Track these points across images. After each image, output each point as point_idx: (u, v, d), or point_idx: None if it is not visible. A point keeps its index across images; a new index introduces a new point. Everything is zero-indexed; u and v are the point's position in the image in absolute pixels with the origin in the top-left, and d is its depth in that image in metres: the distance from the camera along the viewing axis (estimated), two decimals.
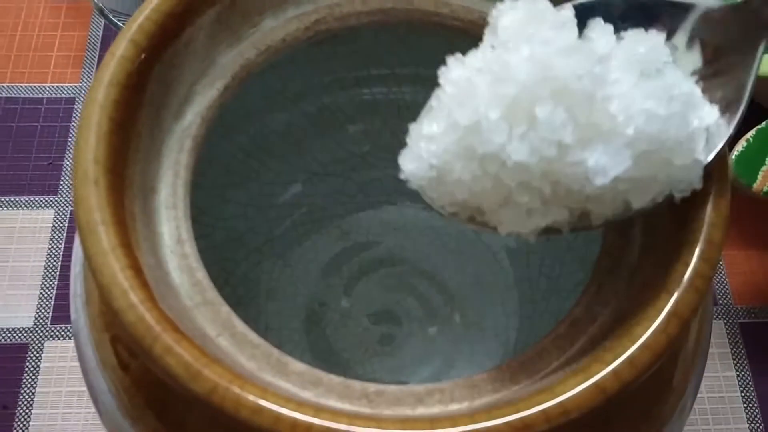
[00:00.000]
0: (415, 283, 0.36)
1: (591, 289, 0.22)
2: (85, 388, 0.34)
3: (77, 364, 0.35)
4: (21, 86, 0.42)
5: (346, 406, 0.20)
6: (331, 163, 0.36)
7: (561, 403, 0.18)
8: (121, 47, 0.22)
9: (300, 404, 0.18)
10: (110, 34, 0.43)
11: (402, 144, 0.36)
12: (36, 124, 0.41)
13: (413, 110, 0.36)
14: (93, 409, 0.34)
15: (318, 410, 0.18)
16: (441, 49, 0.34)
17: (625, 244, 0.22)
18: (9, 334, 0.36)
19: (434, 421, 0.18)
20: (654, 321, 0.19)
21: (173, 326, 0.19)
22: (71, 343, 0.35)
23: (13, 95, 0.41)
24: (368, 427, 0.18)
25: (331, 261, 0.36)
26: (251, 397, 0.18)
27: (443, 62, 0.34)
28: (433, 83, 0.35)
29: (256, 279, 0.36)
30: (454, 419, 0.18)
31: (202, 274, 0.22)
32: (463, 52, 0.33)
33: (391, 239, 0.37)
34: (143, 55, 0.22)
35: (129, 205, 0.21)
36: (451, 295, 0.36)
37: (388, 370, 0.34)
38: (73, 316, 0.25)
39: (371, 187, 0.37)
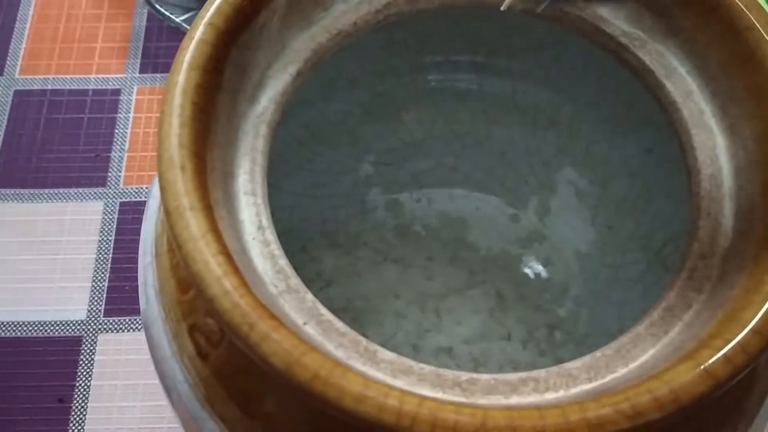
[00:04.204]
0: (476, 274, 0.35)
1: (683, 274, 0.21)
2: (140, 382, 0.34)
3: (132, 357, 0.35)
4: (66, 78, 0.41)
5: (439, 395, 0.19)
6: (384, 152, 0.36)
7: (672, 389, 0.17)
8: (200, 30, 0.21)
9: (404, 393, 0.17)
10: (154, 24, 0.43)
11: (456, 133, 0.36)
12: (82, 115, 0.40)
13: (468, 98, 0.36)
14: (149, 403, 0.34)
15: (423, 399, 0.17)
16: (497, 36, 0.34)
17: (716, 228, 0.22)
18: (62, 327, 0.35)
19: (543, 409, 0.17)
20: (762, 305, 0.18)
21: (269, 313, 0.18)
22: (125, 336, 0.35)
23: (59, 87, 0.41)
24: (475, 416, 0.17)
25: (387, 252, 0.36)
26: (354, 386, 0.17)
27: (499, 50, 0.34)
28: (488, 71, 0.35)
29: (309, 270, 0.35)
30: (563, 407, 0.17)
31: (284, 261, 0.21)
32: (519, 40, 0.33)
33: (448, 231, 0.36)
34: (222, 38, 0.21)
35: (213, 190, 0.20)
36: (515, 285, 0.35)
37: None
38: (143, 306, 0.25)
39: (425, 177, 0.36)
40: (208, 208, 0.19)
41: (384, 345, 0.33)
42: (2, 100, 0.41)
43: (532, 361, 0.34)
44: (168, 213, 0.19)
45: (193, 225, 0.19)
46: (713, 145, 0.23)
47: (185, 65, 0.21)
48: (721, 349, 0.18)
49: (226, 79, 0.22)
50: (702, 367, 0.18)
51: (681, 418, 0.18)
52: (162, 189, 0.20)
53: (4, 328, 0.35)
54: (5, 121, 0.40)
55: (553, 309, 0.35)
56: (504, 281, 0.35)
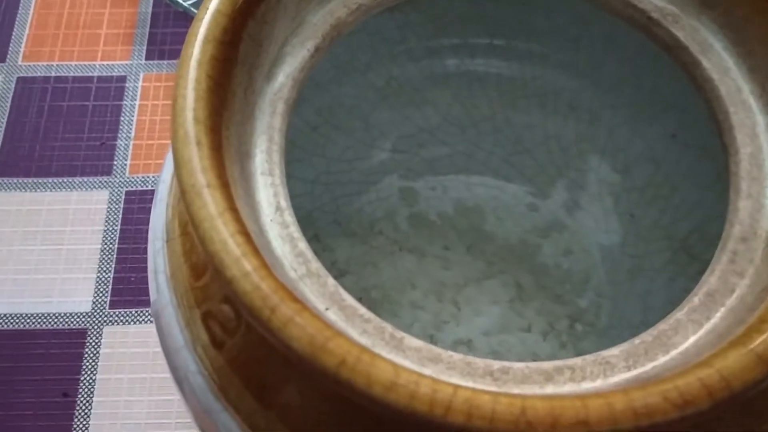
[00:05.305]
0: (494, 264, 0.34)
1: (723, 258, 0.20)
2: (147, 375, 0.33)
3: (138, 350, 0.34)
4: (70, 65, 0.40)
5: (470, 384, 0.18)
6: (399, 138, 0.35)
7: (723, 376, 0.16)
8: (216, 1, 0.20)
9: (437, 381, 0.16)
10: (161, 9, 0.42)
11: (473, 119, 0.35)
12: (87, 103, 0.39)
13: (485, 83, 0.35)
14: (156, 397, 0.33)
15: (457, 387, 0.16)
16: (517, 18, 0.33)
17: (758, 209, 0.21)
18: (67, 320, 0.34)
19: (585, 398, 0.16)
20: None
21: (291, 296, 0.17)
22: (131, 329, 0.34)
23: (63, 74, 0.40)
24: (513, 405, 0.16)
25: (402, 242, 0.34)
26: (384, 373, 0.16)
27: (518, 32, 0.33)
28: (507, 55, 0.34)
29: (323, 259, 0.34)
30: (607, 396, 0.16)
31: (304, 244, 0.20)
32: (539, 23, 0.32)
33: (464, 220, 0.35)
34: (238, 10, 0.20)
35: (230, 168, 0.19)
36: (534, 275, 0.34)
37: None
38: (153, 295, 0.24)
39: (441, 164, 0.35)
40: (225, 186, 0.18)
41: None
42: (5, 87, 0.40)
43: (552, 353, 0.33)
44: (184, 191, 0.18)
45: (211, 203, 0.18)
46: (752, 124, 0.22)
47: (200, 37, 0.20)
48: None
49: (243, 52, 0.21)
50: (754, 351, 0.17)
51: (728, 407, 0.17)
52: (177, 166, 0.18)
53: (6, 321, 0.34)
54: (8, 109, 0.39)
55: (573, 300, 0.34)
56: (523, 271, 0.34)
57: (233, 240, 0.17)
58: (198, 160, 0.18)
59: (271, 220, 0.20)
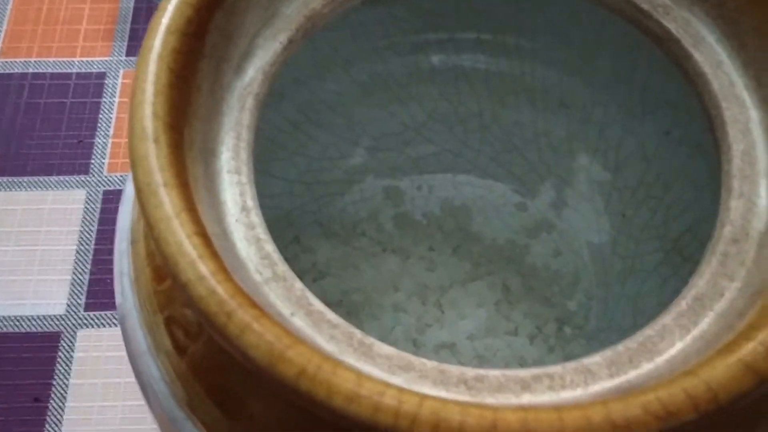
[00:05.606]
0: (481, 266, 0.33)
1: (713, 260, 0.19)
2: (122, 380, 0.32)
3: (113, 354, 0.33)
4: (48, 61, 0.39)
5: (443, 393, 0.17)
6: (383, 136, 0.34)
7: (710, 387, 0.15)
8: None
9: (402, 391, 0.15)
10: (143, 5, 0.41)
11: (460, 116, 0.34)
12: (65, 100, 0.38)
13: (473, 79, 0.34)
14: (131, 402, 0.32)
15: (424, 398, 0.15)
16: (506, 12, 0.32)
17: (750, 209, 0.20)
18: (40, 322, 0.33)
19: (562, 410, 0.15)
20: None
21: (249, 301, 0.16)
22: (106, 332, 0.33)
23: (41, 70, 0.39)
24: (484, 417, 0.15)
25: (386, 243, 0.33)
26: (346, 383, 0.15)
27: (507, 27, 0.32)
28: (495, 50, 0.33)
29: (303, 261, 0.33)
30: (584, 408, 0.15)
31: (271, 247, 0.19)
32: (529, 17, 0.31)
33: (450, 220, 0.34)
34: (204, 0, 0.19)
35: (191, 167, 0.18)
36: (522, 277, 0.33)
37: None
38: (118, 298, 0.23)
39: (427, 163, 0.34)
40: (184, 185, 0.17)
41: (382, 340, 0.31)
42: None
43: (540, 357, 0.32)
44: (139, 190, 0.17)
45: (167, 203, 0.17)
46: (746, 119, 0.21)
47: (162, 28, 0.19)
48: (764, 341, 0.16)
49: (210, 45, 0.20)
50: (743, 361, 0.15)
51: (715, 420, 0.16)
52: (133, 164, 0.17)
53: None
54: None
55: (562, 302, 0.33)
56: (510, 273, 0.33)
57: (189, 241, 0.16)
58: (155, 158, 0.17)
59: (236, 221, 0.19)
